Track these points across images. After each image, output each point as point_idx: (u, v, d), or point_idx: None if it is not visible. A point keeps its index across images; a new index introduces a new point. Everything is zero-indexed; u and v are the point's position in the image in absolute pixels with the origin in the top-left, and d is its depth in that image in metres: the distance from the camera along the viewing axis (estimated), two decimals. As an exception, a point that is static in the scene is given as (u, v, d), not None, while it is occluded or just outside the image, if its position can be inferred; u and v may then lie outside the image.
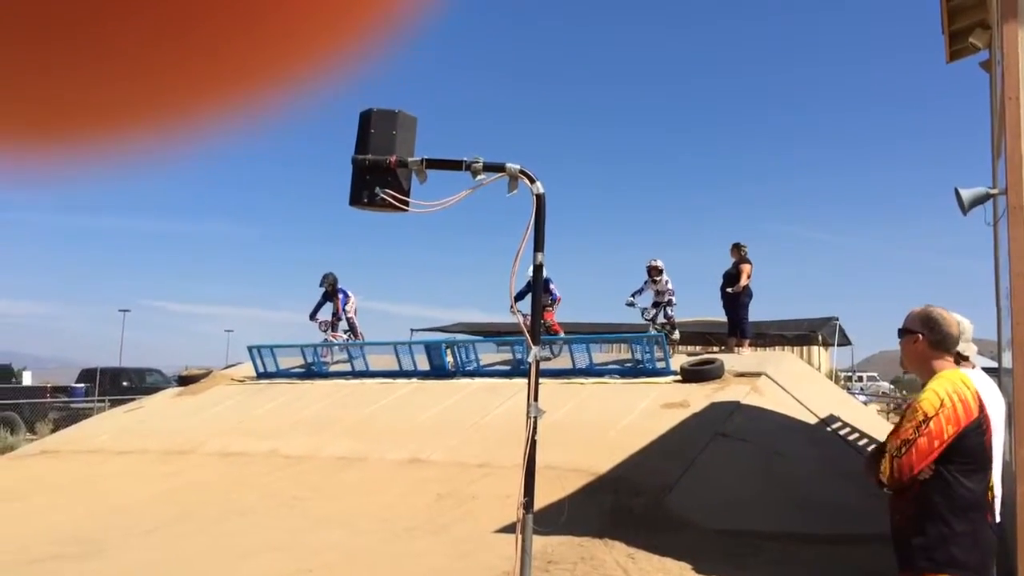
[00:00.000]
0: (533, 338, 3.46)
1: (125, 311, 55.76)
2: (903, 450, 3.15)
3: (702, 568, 6.51)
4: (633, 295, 14.56)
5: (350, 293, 16.26)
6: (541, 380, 11.35)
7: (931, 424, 3.12)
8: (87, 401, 22.66)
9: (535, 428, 3.43)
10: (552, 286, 14.70)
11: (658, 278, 14.41)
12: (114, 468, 11.32)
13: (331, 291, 15.98)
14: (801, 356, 23.76)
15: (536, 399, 3.45)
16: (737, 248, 13.71)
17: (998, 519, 3.34)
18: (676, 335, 15.10)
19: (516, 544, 3.45)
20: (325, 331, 16.00)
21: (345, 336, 16.12)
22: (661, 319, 14.53)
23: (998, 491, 3.30)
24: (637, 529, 7.60)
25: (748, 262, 13.61)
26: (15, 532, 8.69)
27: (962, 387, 3.18)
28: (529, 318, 3.53)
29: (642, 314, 14.50)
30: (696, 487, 8.52)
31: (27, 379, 28.60)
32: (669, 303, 14.55)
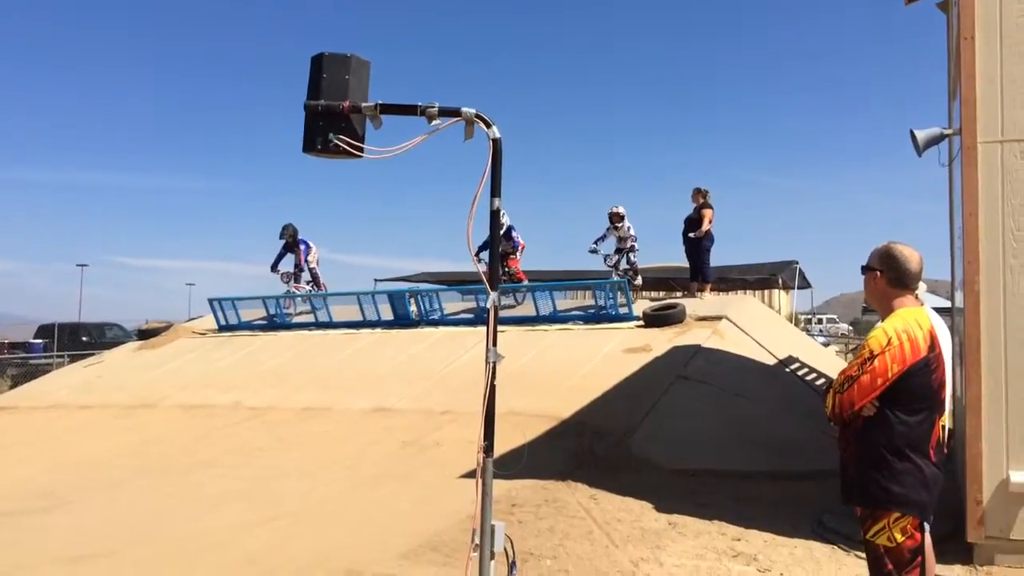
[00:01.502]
0: (491, 284, 3.45)
1: (83, 266, 54.88)
2: (845, 386, 3.21)
3: (664, 507, 6.64)
4: (596, 242, 14.65)
5: (312, 244, 16.12)
6: (504, 328, 11.38)
7: (876, 362, 3.17)
8: (46, 356, 22.36)
9: (494, 373, 3.44)
10: (515, 234, 14.75)
11: (619, 224, 14.53)
12: (75, 423, 11.21)
13: (292, 242, 15.86)
14: (762, 300, 24.11)
15: (495, 345, 3.45)
16: (699, 193, 13.75)
17: (945, 455, 3.42)
18: (639, 280, 15.17)
19: (476, 488, 3.48)
20: (287, 282, 15.89)
21: (308, 287, 16.09)
22: (624, 265, 14.64)
23: (949, 427, 3.37)
24: (600, 471, 7.73)
25: (710, 207, 13.66)
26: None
27: (914, 326, 3.22)
28: (488, 264, 3.51)
29: (604, 260, 14.65)
30: (658, 429, 8.66)
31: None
32: (632, 249, 14.67)
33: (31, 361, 22.14)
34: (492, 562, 3.59)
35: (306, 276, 16.05)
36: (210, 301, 16.05)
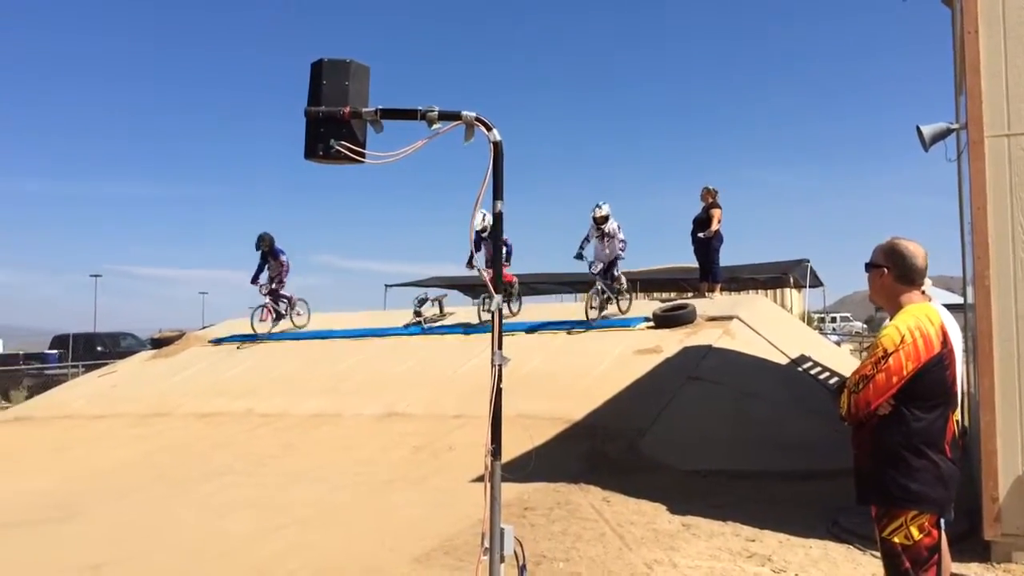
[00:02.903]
0: (495, 288, 3.44)
1: (96, 276, 55.16)
2: (861, 386, 3.17)
3: (677, 508, 6.61)
4: (582, 245, 13.12)
5: (285, 257, 15.63)
6: (513, 333, 11.29)
7: (890, 360, 3.14)
8: (61, 367, 22.49)
9: (500, 376, 3.43)
10: (504, 236, 14.25)
11: (604, 226, 12.99)
12: (90, 433, 11.27)
13: (268, 251, 15.38)
14: (774, 299, 24.03)
15: (500, 347, 3.45)
16: (708, 192, 13.70)
17: (960, 451, 3.39)
18: (626, 294, 13.70)
19: (484, 492, 3.47)
20: (266, 294, 15.40)
21: (283, 303, 15.60)
22: (610, 276, 13.20)
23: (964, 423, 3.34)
24: (612, 473, 7.70)
25: (718, 206, 13.62)
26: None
27: (926, 322, 3.18)
28: (491, 270, 3.50)
29: (589, 268, 12.97)
30: (670, 430, 8.63)
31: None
32: (617, 259, 13.08)
33: (46, 371, 22.28)
34: (502, 565, 3.58)
35: (286, 291, 15.64)
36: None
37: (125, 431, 11.17)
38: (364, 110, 3.52)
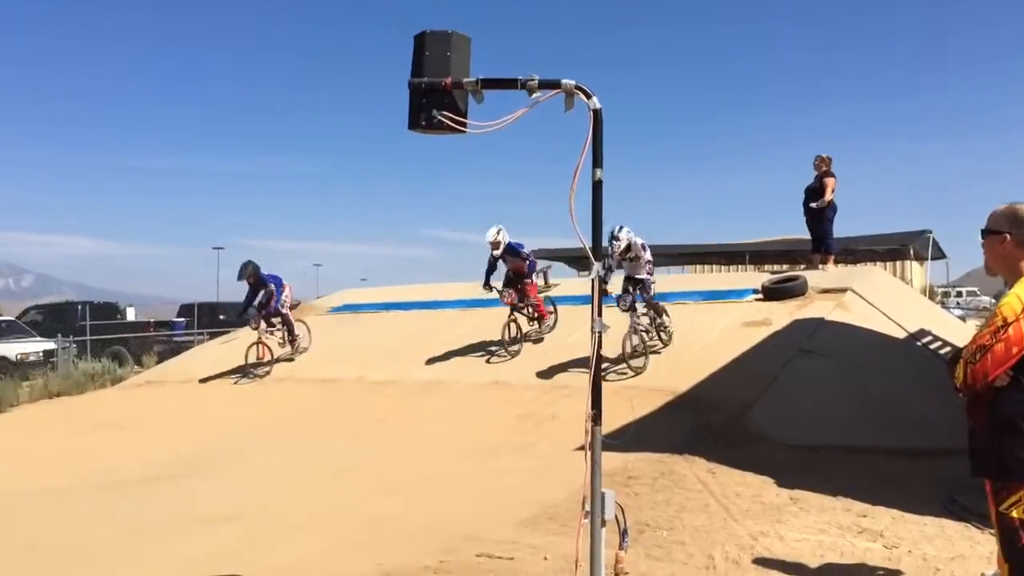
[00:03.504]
0: (595, 256, 3.46)
1: (219, 248, 57.78)
2: (978, 356, 3.05)
3: (784, 482, 6.49)
4: (605, 271, 9.11)
5: (284, 282, 13.89)
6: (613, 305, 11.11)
7: (1010, 330, 3.00)
8: (187, 334, 23.73)
9: (600, 343, 3.46)
10: (524, 251, 11.94)
11: (628, 255, 10.43)
12: (213, 396, 11.93)
13: (254, 283, 13.48)
14: (893, 272, 22.98)
15: (600, 315, 3.47)
16: (821, 160, 13.21)
17: None
18: (669, 326, 10.89)
19: (585, 458, 3.51)
20: (256, 328, 13.29)
21: (280, 333, 13.61)
22: (641, 308, 10.47)
23: None
24: (718, 445, 7.63)
25: (832, 175, 13.10)
26: (125, 456, 9.34)
27: None
28: (589, 237, 3.51)
29: (617, 302, 10.18)
30: (777, 403, 8.46)
31: (131, 315, 30.00)
32: (644, 285, 10.51)
33: (175, 338, 23.56)
34: (603, 529, 3.62)
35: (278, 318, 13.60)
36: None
37: (246, 395, 11.78)
38: (465, 80, 3.57)
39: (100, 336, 21.42)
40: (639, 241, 10.37)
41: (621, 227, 10.20)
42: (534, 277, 12.31)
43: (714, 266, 28.10)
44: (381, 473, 7.72)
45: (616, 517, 3.73)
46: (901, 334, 10.54)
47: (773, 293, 11.74)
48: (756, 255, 26.03)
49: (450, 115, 3.50)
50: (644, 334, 10.35)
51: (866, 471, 6.83)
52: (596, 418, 3.58)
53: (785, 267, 18.78)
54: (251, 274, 13.33)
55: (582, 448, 3.52)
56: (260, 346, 13.04)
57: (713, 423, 8.20)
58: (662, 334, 10.82)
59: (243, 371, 12.81)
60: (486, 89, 3.55)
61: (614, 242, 10.02)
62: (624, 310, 10.11)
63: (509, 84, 3.51)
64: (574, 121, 3.45)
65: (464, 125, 3.56)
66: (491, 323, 13.26)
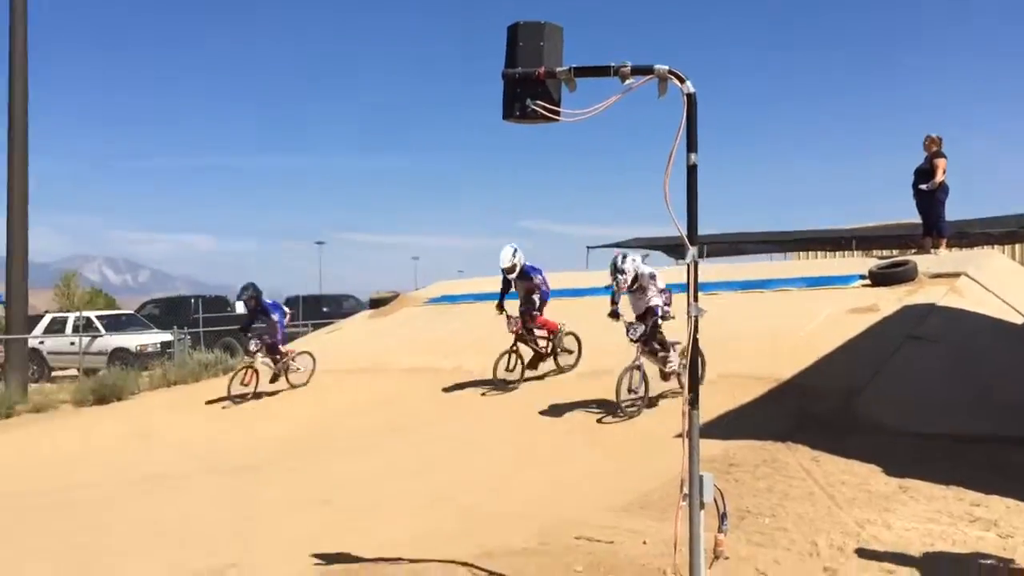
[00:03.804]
0: (691, 240, 3.46)
1: (320, 243, 59.64)
2: None
3: (892, 470, 6.29)
4: (613, 298, 9.11)
5: (284, 308, 13.28)
6: (722, 292, 11.04)
7: None
8: (292, 325, 24.58)
9: (696, 327, 3.47)
10: (539, 277, 10.91)
11: (637, 285, 8.99)
12: (317, 384, 12.33)
13: (255, 307, 12.57)
14: (1011, 256, 21.80)
15: (696, 299, 3.48)
16: (931, 141, 12.68)
17: None
18: (676, 367, 8.89)
19: (683, 440, 3.53)
20: (261, 354, 12.33)
21: (278, 367, 12.44)
22: (654, 344, 9.00)
23: None
24: (822, 433, 7.44)
25: (943, 156, 12.56)
26: (240, 439, 9.87)
27: None
28: (685, 220, 3.52)
29: (627, 332, 8.78)
30: (885, 390, 8.20)
31: (240, 308, 31.20)
32: (659, 315, 8.90)
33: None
34: (702, 512, 3.63)
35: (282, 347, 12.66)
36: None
37: (348, 385, 12.12)
38: (558, 69, 3.63)
39: (212, 328, 22.44)
40: (647, 271, 8.96)
41: (624, 256, 8.92)
42: (543, 310, 10.99)
43: (819, 252, 27.27)
44: (475, 459, 7.89)
45: (715, 500, 3.73)
46: (1020, 320, 10.07)
47: (881, 278, 11.38)
48: (863, 240, 25.09)
49: (544, 104, 3.57)
50: (644, 380, 8.82)
51: (979, 460, 6.56)
52: (694, 401, 3.59)
53: (895, 252, 18.10)
54: (251, 297, 12.45)
55: (678, 437, 3.54)
56: (248, 371, 12.03)
57: (817, 411, 8.02)
58: (681, 377, 8.61)
59: (354, 360, 13.21)
60: (579, 77, 3.60)
61: (619, 275, 8.71)
62: (633, 340, 8.75)
63: (602, 71, 3.55)
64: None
65: (558, 114, 3.62)
66: (586, 311, 13.27)
